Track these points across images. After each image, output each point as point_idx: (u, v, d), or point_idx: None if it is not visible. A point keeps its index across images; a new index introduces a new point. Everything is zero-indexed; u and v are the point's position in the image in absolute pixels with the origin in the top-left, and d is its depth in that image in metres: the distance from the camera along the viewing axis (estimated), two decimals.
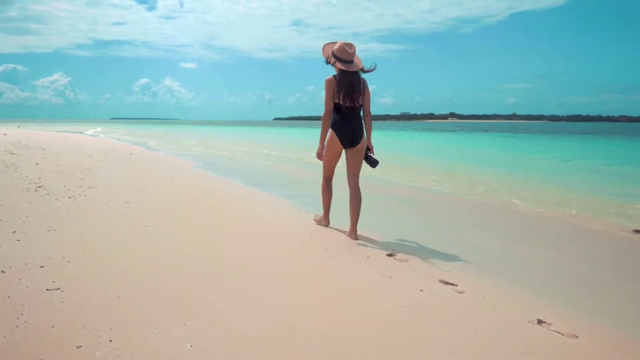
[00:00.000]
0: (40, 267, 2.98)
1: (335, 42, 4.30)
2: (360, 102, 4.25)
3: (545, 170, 11.49)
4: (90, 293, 2.61)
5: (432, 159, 14.32)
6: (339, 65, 4.18)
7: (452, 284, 3.11)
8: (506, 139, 33.48)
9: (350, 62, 4.20)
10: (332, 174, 4.53)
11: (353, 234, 4.23)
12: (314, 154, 4.52)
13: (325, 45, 4.39)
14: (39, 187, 6.07)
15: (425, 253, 3.85)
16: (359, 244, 4.01)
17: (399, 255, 3.71)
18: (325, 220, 4.64)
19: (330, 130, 4.29)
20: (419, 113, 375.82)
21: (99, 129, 41.94)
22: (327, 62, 4.28)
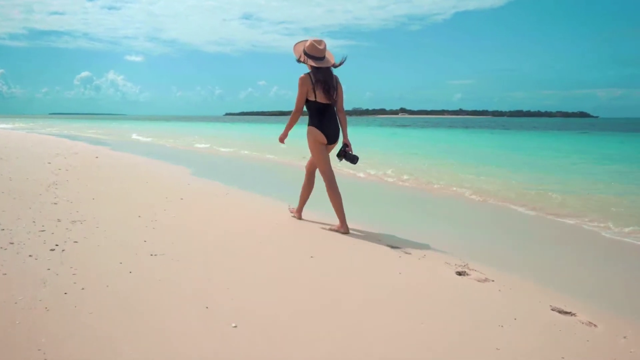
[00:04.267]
0: None
1: (306, 40, 4.28)
2: (334, 99, 4.28)
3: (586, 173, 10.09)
4: None
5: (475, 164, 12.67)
6: (310, 62, 4.18)
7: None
8: (493, 135, 32.69)
9: (322, 58, 4.21)
10: (332, 172, 4.45)
11: (299, 213, 4.74)
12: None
13: (296, 44, 4.36)
14: None
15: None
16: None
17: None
18: (343, 227, 4.34)
19: (312, 128, 4.31)
20: (370, 108, 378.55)
21: (29, 124, 37.69)
22: (299, 61, 4.27)
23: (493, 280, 3.20)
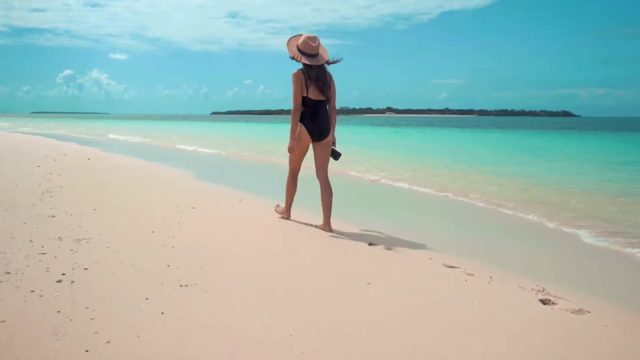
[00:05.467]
0: None
1: (300, 35, 4.23)
2: (327, 95, 4.24)
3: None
4: None
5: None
6: (304, 60, 4.13)
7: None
8: (493, 135, 32.39)
9: (315, 55, 4.16)
10: (299, 168, 4.53)
11: (327, 226, 4.26)
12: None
13: (290, 39, 4.30)
14: None
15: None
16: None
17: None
18: (287, 214, 4.64)
19: (300, 126, 4.26)
20: (357, 108, 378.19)
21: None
22: (292, 58, 4.20)
23: (589, 312, 2.69)
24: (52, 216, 4.17)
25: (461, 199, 6.48)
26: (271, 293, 2.62)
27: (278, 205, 4.85)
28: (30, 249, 3.12)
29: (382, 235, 4.27)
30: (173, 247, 3.43)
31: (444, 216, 5.56)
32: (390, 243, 4.01)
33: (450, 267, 3.45)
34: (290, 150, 4.36)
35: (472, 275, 3.26)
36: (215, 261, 3.16)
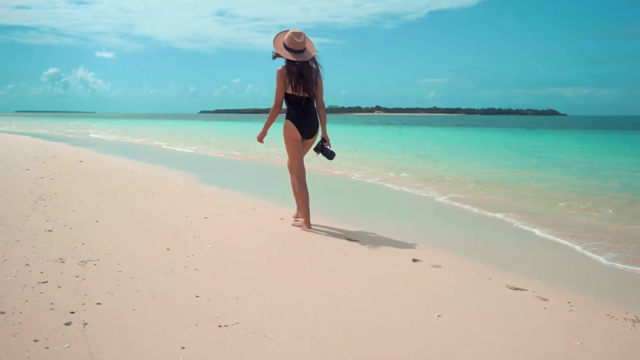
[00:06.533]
0: None
1: (287, 31, 4.14)
2: (313, 93, 4.16)
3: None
4: None
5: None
6: (289, 56, 4.07)
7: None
8: (497, 133, 32.06)
9: (301, 51, 4.10)
10: (303, 168, 4.32)
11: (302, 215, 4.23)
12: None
13: (277, 35, 4.20)
14: None
15: None
16: None
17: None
18: (307, 224, 4.24)
19: (287, 121, 4.20)
20: (346, 106, 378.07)
21: None
22: (274, 57, 4.14)
23: None
24: (49, 230, 3.62)
25: (487, 212, 6.03)
26: (330, 334, 2.13)
27: (296, 218, 4.52)
28: (28, 277, 2.58)
29: (421, 248, 3.81)
30: (196, 270, 2.91)
31: (474, 226, 5.08)
32: (434, 258, 3.55)
33: (516, 289, 3.00)
34: (259, 138, 4.37)
35: (546, 300, 2.82)
36: (251, 289, 2.65)
